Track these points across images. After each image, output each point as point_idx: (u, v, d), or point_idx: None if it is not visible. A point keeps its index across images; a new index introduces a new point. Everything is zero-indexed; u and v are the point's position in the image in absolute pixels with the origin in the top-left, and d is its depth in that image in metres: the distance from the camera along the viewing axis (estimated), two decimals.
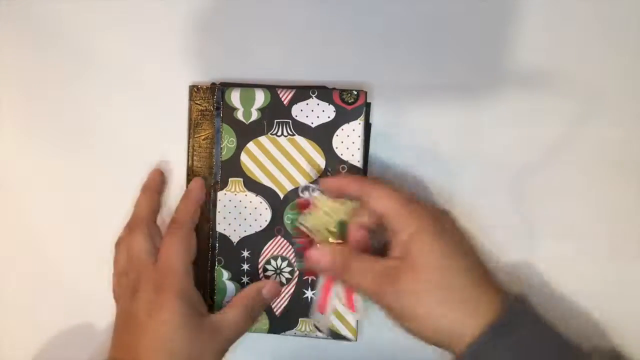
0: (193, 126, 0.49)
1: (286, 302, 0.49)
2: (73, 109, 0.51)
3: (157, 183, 0.50)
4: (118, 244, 0.48)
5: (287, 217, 0.48)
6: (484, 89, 0.48)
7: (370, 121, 0.49)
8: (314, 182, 0.47)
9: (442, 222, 0.42)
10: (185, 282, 0.45)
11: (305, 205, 0.47)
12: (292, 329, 0.49)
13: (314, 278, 0.48)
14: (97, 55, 0.51)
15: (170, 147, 0.50)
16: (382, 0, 0.49)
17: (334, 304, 0.46)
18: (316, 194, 0.46)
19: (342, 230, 0.45)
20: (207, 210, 0.49)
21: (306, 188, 0.46)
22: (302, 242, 0.48)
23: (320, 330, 0.48)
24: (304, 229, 0.46)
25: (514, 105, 0.48)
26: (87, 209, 0.51)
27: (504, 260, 0.49)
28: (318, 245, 0.45)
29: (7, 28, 0.51)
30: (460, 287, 0.40)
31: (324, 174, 0.47)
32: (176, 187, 0.51)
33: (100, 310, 0.51)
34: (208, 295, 0.49)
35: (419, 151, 0.49)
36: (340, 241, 0.45)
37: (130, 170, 0.51)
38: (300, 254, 0.48)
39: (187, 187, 0.49)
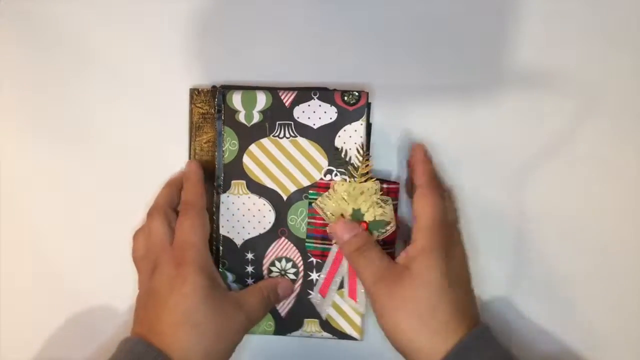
0: (194, 129, 0.49)
1: (291, 303, 0.49)
2: (73, 109, 0.51)
3: (178, 179, 0.49)
4: (136, 234, 0.48)
5: (305, 196, 0.48)
6: (484, 89, 0.49)
7: (371, 121, 0.49)
8: (341, 165, 0.47)
9: (453, 249, 0.45)
10: (204, 255, 0.45)
11: (326, 187, 0.47)
12: (298, 329, 0.49)
13: (320, 261, 0.48)
14: (96, 55, 0.51)
15: (170, 147, 0.50)
16: (382, 1, 0.49)
17: (335, 289, 0.48)
18: (337, 178, 0.47)
19: (357, 217, 0.46)
20: (210, 214, 0.49)
21: (329, 171, 0.47)
22: (315, 224, 0.48)
23: (320, 316, 0.49)
24: (319, 211, 0.47)
25: (514, 105, 0.49)
26: (87, 209, 0.51)
27: (503, 260, 0.50)
28: (343, 221, 0.46)
29: (7, 28, 0.51)
30: (444, 311, 0.42)
31: (326, 174, 0.48)
32: None
33: (101, 311, 0.51)
34: None
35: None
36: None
37: (130, 170, 0.51)
38: (311, 235, 0.48)
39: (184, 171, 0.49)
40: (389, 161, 0.50)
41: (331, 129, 0.47)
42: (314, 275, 0.48)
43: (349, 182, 0.47)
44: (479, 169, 0.49)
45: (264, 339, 0.50)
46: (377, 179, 0.47)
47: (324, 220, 0.48)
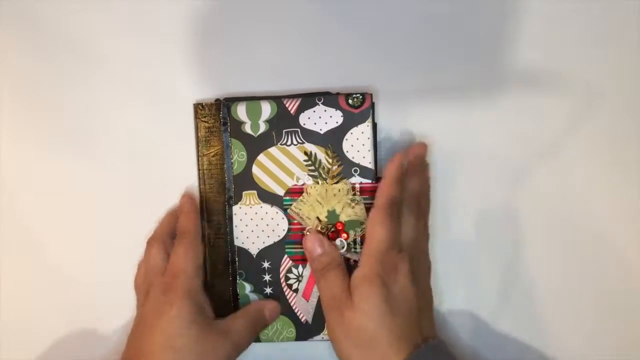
0: (202, 143, 0.50)
1: (314, 307, 0.49)
2: (74, 112, 0.51)
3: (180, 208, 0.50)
4: (139, 263, 0.50)
5: (283, 203, 0.49)
6: (485, 89, 0.49)
7: (375, 121, 0.50)
8: (312, 170, 0.48)
9: (395, 277, 0.43)
10: (193, 282, 0.45)
11: (299, 192, 0.48)
12: (320, 333, 0.49)
13: (301, 264, 0.49)
14: (99, 58, 0.51)
15: (174, 149, 0.51)
16: (383, 2, 0.49)
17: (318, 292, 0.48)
18: (310, 182, 0.48)
19: (333, 218, 0.47)
20: (223, 226, 0.49)
21: (301, 175, 0.48)
22: (293, 229, 0.49)
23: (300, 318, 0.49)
24: (295, 215, 0.48)
25: (514, 105, 0.49)
26: (87, 211, 0.52)
27: (503, 259, 0.50)
28: (315, 236, 0.47)
29: (9, 30, 0.51)
30: (383, 341, 0.41)
31: (298, 179, 0.48)
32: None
33: (101, 311, 0.51)
34: (232, 310, 0.49)
35: None
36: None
37: (131, 173, 0.51)
38: (290, 241, 0.49)
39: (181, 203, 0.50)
40: (388, 160, 0.50)
41: (338, 133, 0.48)
42: None
43: (322, 184, 0.48)
44: (478, 169, 0.50)
45: (277, 347, 0.51)
46: (349, 180, 0.48)
47: (301, 224, 0.48)
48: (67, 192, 0.51)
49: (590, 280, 0.50)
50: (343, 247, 0.48)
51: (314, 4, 0.50)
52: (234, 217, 0.49)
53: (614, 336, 0.50)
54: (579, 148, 0.49)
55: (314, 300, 0.49)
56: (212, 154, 0.49)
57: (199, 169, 0.50)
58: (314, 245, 0.46)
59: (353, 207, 0.48)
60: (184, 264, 0.46)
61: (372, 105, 0.48)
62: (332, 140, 0.48)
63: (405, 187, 0.45)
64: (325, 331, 0.49)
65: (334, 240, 0.48)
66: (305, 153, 0.48)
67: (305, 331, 0.49)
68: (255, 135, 0.49)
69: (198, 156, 0.50)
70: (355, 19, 0.50)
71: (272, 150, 0.48)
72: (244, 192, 0.49)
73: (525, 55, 0.49)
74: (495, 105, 0.49)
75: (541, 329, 0.50)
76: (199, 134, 0.50)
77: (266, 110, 0.48)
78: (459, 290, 0.51)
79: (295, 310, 0.49)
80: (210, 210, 0.50)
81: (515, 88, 0.49)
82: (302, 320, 0.49)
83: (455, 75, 0.49)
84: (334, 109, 0.48)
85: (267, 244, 0.49)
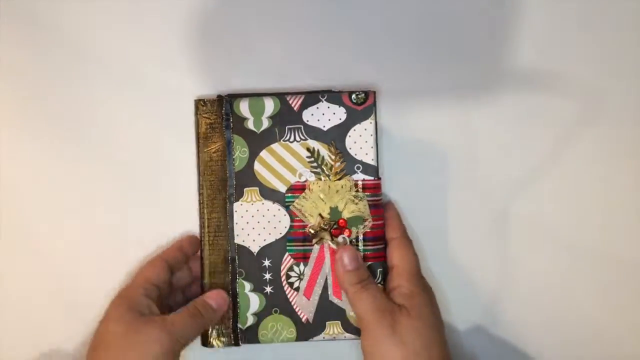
0: (202, 140, 0.49)
1: (315, 306, 0.48)
2: (73, 110, 0.51)
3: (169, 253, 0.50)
4: None
5: (285, 200, 0.48)
6: (485, 89, 0.50)
7: (377, 119, 0.50)
8: (314, 167, 0.48)
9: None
10: (133, 289, 0.46)
11: (301, 189, 0.48)
12: (320, 333, 0.49)
13: (302, 262, 0.48)
14: (97, 55, 0.50)
15: (175, 148, 0.51)
16: (383, 2, 0.50)
17: (320, 290, 0.48)
18: (312, 178, 0.48)
19: (336, 215, 0.47)
20: (223, 224, 0.49)
21: (303, 172, 0.48)
22: (295, 226, 0.48)
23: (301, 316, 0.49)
24: (297, 212, 0.48)
25: (515, 105, 0.50)
26: (86, 209, 0.51)
27: (502, 259, 0.51)
28: (351, 249, 0.47)
29: (7, 28, 0.50)
30: (440, 346, 0.45)
31: (301, 176, 0.48)
32: (186, 196, 0.50)
33: (100, 311, 0.49)
34: (231, 308, 0.48)
35: (421, 150, 0.51)
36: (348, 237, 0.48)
37: (130, 171, 0.51)
38: (291, 238, 0.48)
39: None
40: (389, 161, 0.51)
41: (341, 130, 0.48)
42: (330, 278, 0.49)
43: (324, 181, 0.48)
44: (478, 169, 0.50)
45: (284, 347, 0.50)
46: (351, 176, 0.48)
47: (302, 221, 0.48)
48: (67, 189, 0.51)
49: (591, 281, 0.50)
50: (346, 244, 0.47)
51: (317, 2, 0.50)
52: (235, 215, 0.48)
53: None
54: (579, 148, 0.50)
55: (315, 298, 0.48)
56: (213, 150, 0.49)
57: (198, 166, 0.49)
58: (350, 259, 0.46)
59: (356, 204, 0.48)
60: (135, 277, 0.48)
61: (375, 102, 0.48)
62: (335, 136, 0.48)
63: None
64: (326, 331, 0.48)
65: (337, 237, 0.48)
66: (308, 149, 0.48)
67: (306, 331, 0.49)
68: (258, 132, 0.48)
69: (198, 152, 0.49)
70: (357, 18, 0.50)
71: (275, 146, 0.48)
72: (245, 189, 0.48)
73: (526, 55, 0.50)
74: (495, 104, 0.50)
75: (539, 336, 0.51)
76: (200, 130, 0.49)
77: (269, 106, 0.48)
78: (460, 289, 0.51)
79: (296, 309, 0.48)
80: (210, 207, 0.49)
81: (516, 88, 0.50)
82: (303, 319, 0.48)
83: (455, 75, 0.50)
84: (338, 106, 0.48)
85: (268, 242, 0.48)
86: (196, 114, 0.49)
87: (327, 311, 0.48)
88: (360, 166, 0.48)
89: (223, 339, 0.49)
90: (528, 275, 0.51)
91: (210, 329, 0.49)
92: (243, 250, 0.48)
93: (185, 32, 0.50)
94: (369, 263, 0.48)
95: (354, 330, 0.48)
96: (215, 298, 0.48)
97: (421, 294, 0.46)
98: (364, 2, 0.50)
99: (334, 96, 0.48)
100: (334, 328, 0.49)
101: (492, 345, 0.51)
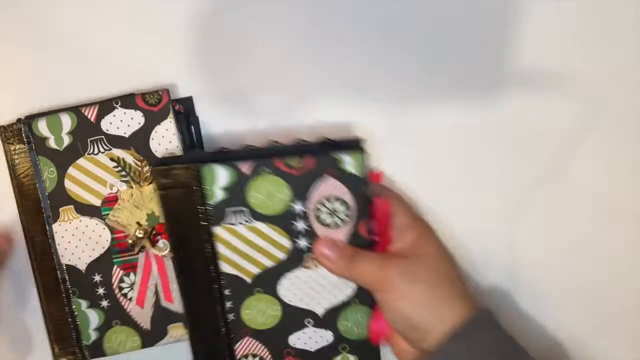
0: (11, 167, 0.48)
1: (150, 313, 0.48)
2: None
3: None
4: None
5: (104, 214, 0.48)
6: (485, 89, 0.48)
7: (198, 114, 0.49)
8: (124, 176, 0.47)
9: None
10: None
11: (115, 200, 0.47)
12: (164, 338, 0.49)
13: (132, 272, 0.48)
14: (96, 55, 0.49)
15: None
16: (383, 2, 0.47)
17: (152, 296, 0.47)
18: (123, 187, 0.47)
19: (154, 221, 0.47)
20: (47, 246, 0.48)
21: (114, 182, 0.47)
22: (117, 237, 0.48)
23: None
24: (115, 224, 0.47)
25: (515, 105, 0.48)
26: None
27: (501, 258, 0.50)
28: (326, 239, 0.44)
29: (7, 28, 0.49)
30: (449, 280, 0.44)
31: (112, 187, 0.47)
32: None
33: None
34: (72, 329, 0.48)
35: (419, 150, 0.49)
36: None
37: None
38: (116, 250, 0.48)
39: None
40: (389, 160, 0.49)
41: (143, 133, 0.47)
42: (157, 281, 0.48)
43: (135, 188, 0.47)
44: (478, 169, 0.49)
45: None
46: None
47: (123, 232, 0.47)
48: None
49: (592, 282, 0.50)
50: (167, 248, 0.47)
51: (314, 4, 0.48)
52: (56, 236, 0.48)
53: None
54: (580, 148, 0.48)
55: (149, 306, 0.48)
56: (22, 175, 0.48)
57: (14, 193, 0.48)
58: (328, 246, 0.44)
59: None
60: None
61: (170, 100, 0.47)
62: (139, 141, 0.47)
63: None
64: (170, 334, 0.48)
65: (157, 243, 0.47)
66: (113, 159, 0.47)
67: (150, 338, 0.49)
68: (61, 149, 0.47)
69: (11, 180, 0.48)
70: (355, 19, 0.48)
71: (81, 161, 0.47)
72: (60, 209, 0.48)
73: (526, 56, 0.47)
74: (495, 105, 0.48)
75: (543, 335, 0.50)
76: (8, 158, 0.48)
77: (66, 122, 0.47)
78: None
79: (135, 319, 0.48)
80: (32, 231, 0.48)
81: (516, 88, 0.48)
82: (143, 328, 0.48)
83: (455, 76, 0.48)
84: (134, 110, 0.47)
85: (93, 257, 0.48)
86: (1, 141, 0.48)
87: (164, 316, 0.48)
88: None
89: (70, 357, 0.49)
90: (528, 277, 0.50)
91: (56, 348, 0.49)
92: (71, 269, 0.48)
93: (180, 29, 0.48)
94: None
95: None
96: None
97: (426, 233, 0.45)
98: (362, 5, 0.47)
99: (127, 100, 0.47)
100: (176, 330, 0.49)
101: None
